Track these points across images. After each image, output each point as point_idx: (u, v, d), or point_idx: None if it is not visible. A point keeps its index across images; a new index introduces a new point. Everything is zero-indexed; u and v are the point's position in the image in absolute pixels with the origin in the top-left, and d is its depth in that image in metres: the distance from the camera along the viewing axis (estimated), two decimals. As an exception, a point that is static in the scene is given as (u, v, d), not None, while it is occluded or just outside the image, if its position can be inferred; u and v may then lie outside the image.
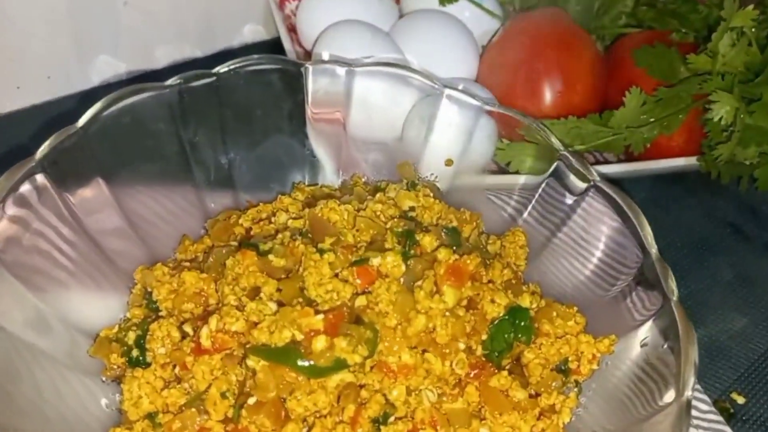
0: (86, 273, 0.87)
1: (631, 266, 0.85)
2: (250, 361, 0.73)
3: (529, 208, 0.98)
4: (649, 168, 1.22)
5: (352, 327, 0.74)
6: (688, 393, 0.71)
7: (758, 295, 1.18)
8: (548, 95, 1.24)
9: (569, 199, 0.93)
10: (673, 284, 0.79)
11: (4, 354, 0.71)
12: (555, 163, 0.93)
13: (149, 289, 0.88)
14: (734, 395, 1.03)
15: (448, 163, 1.03)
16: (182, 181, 1.01)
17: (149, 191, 0.98)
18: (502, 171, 1.07)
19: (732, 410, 1.00)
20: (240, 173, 1.04)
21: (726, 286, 1.19)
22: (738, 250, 1.25)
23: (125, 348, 0.82)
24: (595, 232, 0.91)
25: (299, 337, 0.73)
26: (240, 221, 0.94)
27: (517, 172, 1.04)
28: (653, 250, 0.82)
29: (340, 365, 0.73)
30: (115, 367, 0.83)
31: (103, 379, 0.84)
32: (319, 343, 0.72)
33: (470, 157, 1.06)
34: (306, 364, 0.72)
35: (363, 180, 1.05)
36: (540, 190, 0.97)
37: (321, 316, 0.73)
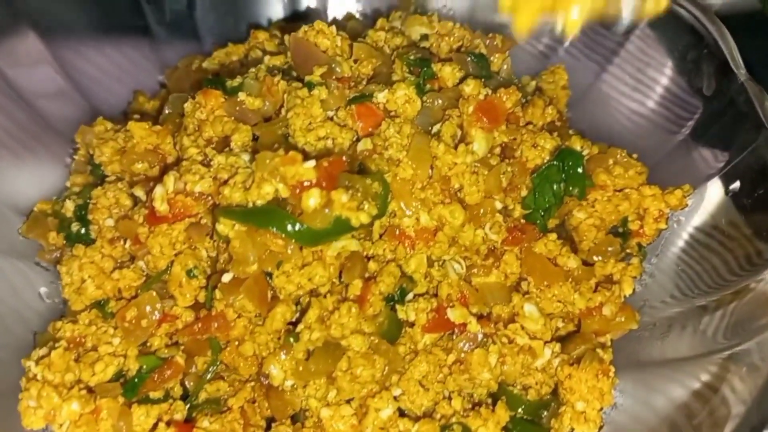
0: (18, 140, 0.69)
1: (708, 95, 0.67)
2: (221, 226, 0.54)
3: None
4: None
5: (355, 177, 0.55)
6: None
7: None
8: None
9: (625, 18, 0.73)
10: (772, 110, 0.61)
11: None
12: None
13: (92, 152, 0.68)
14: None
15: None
16: (133, 30, 0.82)
17: (93, 43, 0.79)
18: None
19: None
20: (203, 12, 0.82)
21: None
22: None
23: (63, 221, 0.64)
24: (658, 59, 0.71)
25: (284, 192, 0.54)
26: (204, 65, 0.74)
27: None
28: (741, 69, 0.63)
29: (342, 228, 0.54)
30: (54, 248, 0.65)
31: (41, 263, 0.66)
32: (312, 198, 0.53)
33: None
34: (296, 228, 0.54)
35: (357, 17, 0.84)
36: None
37: (312, 163, 0.53)
